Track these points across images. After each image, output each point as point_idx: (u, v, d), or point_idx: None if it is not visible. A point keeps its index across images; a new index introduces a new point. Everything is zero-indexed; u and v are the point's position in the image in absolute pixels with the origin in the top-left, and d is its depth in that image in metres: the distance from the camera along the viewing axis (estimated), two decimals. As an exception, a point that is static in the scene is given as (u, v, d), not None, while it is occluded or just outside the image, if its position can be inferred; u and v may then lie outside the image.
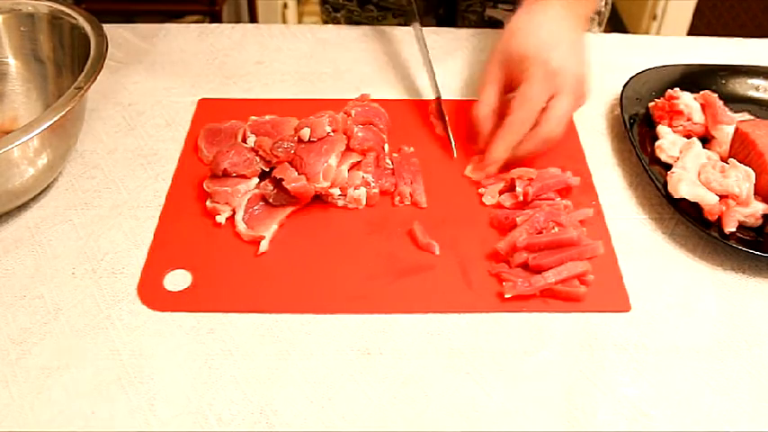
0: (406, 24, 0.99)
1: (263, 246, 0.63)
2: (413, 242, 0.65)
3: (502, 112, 0.70)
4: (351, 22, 1.03)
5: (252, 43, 0.90)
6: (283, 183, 0.65)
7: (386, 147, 0.72)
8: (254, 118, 0.74)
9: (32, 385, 0.54)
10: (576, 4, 0.73)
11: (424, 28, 0.92)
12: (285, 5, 2.38)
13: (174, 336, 0.58)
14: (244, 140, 0.71)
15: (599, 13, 0.99)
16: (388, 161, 0.71)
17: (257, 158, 0.68)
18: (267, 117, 0.74)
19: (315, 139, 0.67)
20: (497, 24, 0.96)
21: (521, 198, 0.67)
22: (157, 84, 0.83)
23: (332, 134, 0.68)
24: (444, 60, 0.87)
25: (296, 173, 0.66)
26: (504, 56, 0.71)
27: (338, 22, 1.05)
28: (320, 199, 0.68)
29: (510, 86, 0.71)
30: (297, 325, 0.59)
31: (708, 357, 0.57)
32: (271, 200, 0.66)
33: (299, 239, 0.65)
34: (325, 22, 1.08)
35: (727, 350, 0.58)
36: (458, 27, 1.01)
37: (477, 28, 0.93)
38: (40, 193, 0.68)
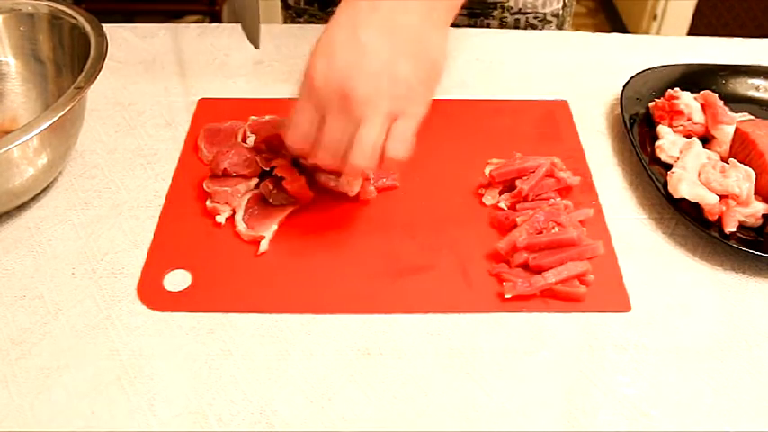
0: None
1: (263, 246, 0.63)
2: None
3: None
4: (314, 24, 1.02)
5: (252, 43, 0.90)
6: (284, 183, 0.65)
7: None
8: (253, 118, 0.74)
9: (32, 385, 0.54)
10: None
11: None
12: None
13: (173, 336, 0.58)
14: (244, 140, 0.71)
15: (556, 15, 0.97)
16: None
17: (257, 158, 0.68)
18: (267, 117, 0.74)
19: None
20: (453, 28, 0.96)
21: (523, 193, 0.66)
22: (157, 84, 0.83)
23: None
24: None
25: (296, 172, 0.66)
26: (311, 78, 0.58)
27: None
28: (319, 199, 0.68)
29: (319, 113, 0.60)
30: (297, 325, 0.59)
31: (708, 357, 0.57)
32: (271, 200, 0.66)
33: (299, 239, 0.65)
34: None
35: (727, 350, 0.58)
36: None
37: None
38: (39, 193, 0.68)
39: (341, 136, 0.57)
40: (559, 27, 0.99)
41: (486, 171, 0.70)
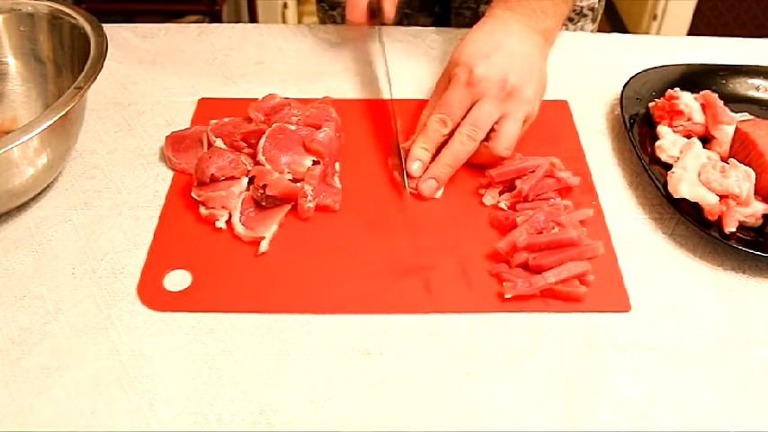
0: (400, 24, 0.99)
1: (263, 246, 0.63)
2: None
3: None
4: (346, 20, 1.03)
5: (252, 43, 0.90)
6: (267, 190, 0.65)
7: (337, 165, 0.71)
8: (213, 121, 0.74)
9: (32, 385, 0.54)
10: (535, 18, 0.75)
11: (419, 27, 0.92)
12: (285, 5, 2.38)
13: (173, 336, 0.58)
14: (210, 144, 0.71)
15: (592, 9, 0.98)
16: (336, 180, 0.70)
17: (242, 157, 0.68)
18: (226, 119, 0.74)
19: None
20: None
21: (523, 193, 0.66)
22: (157, 84, 0.83)
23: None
24: (444, 60, 0.87)
25: (276, 174, 0.66)
26: (449, 63, 0.74)
27: (334, 21, 1.05)
28: (320, 200, 0.68)
29: None
30: (297, 325, 0.59)
31: (708, 357, 0.57)
32: (264, 203, 0.66)
33: (299, 239, 0.65)
34: (322, 21, 1.08)
35: (727, 350, 0.58)
36: (452, 25, 1.01)
37: (473, 25, 0.93)
38: (39, 193, 0.68)
39: (489, 117, 0.69)
40: (594, 21, 1.00)
41: (486, 171, 0.70)
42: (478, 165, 0.70)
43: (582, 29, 0.99)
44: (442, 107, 0.70)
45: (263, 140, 0.68)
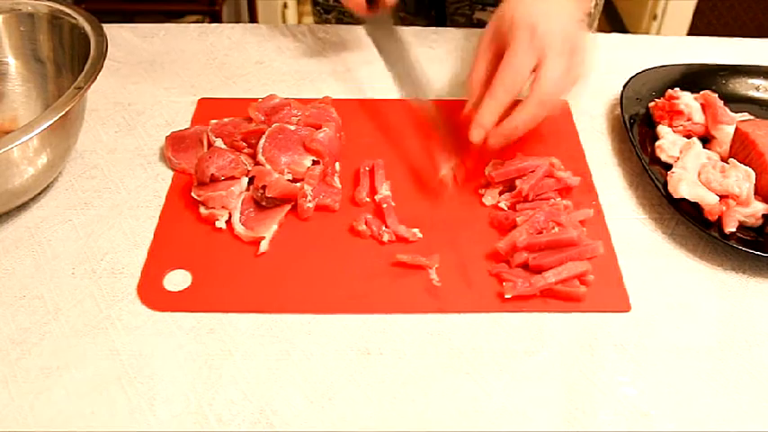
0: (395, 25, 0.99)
1: (264, 246, 0.63)
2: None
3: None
4: (342, 23, 1.03)
5: (252, 43, 0.90)
6: (267, 190, 0.65)
7: (337, 165, 0.71)
8: (213, 121, 0.74)
9: (32, 385, 0.54)
10: None
11: (419, 27, 0.92)
12: (285, 5, 2.38)
13: (174, 336, 0.58)
14: (210, 144, 0.71)
15: (588, 14, 0.98)
16: (336, 180, 0.69)
17: (243, 158, 0.68)
18: (226, 119, 0.74)
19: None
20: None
21: (523, 193, 0.66)
22: (157, 84, 0.83)
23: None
24: (445, 60, 0.87)
25: (276, 174, 0.65)
26: (496, 24, 0.69)
27: (329, 24, 1.05)
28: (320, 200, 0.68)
29: (502, 56, 0.68)
30: (297, 325, 0.59)
31: (708, 357, 0.57)
32: (264, 203, 0.66)
33: (299, 239, 0.65)
34: (318, 24, 1.08)
35: (727, 350, 0.58)
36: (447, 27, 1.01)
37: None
38: (39, 193, 0.68)
39: (558, 74, 0.65)
40: (590, 26, 1.00)
41: (486, 171, 0.70)
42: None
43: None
44: (508, 72, 0.66)
45: (262, 140, 0.68)
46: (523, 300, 0.60)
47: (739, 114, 0.74)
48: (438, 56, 0.88)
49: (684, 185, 0.66)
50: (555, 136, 0.76)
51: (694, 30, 2.38)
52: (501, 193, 0.69)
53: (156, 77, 0.84)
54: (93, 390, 0.54)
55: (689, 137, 0.73)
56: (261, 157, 0.67)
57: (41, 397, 0.53)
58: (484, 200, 0.69)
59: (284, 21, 2.38)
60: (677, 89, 0.76)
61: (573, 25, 0.68)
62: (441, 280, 0.62)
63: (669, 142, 0.72)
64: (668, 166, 0.70)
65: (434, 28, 0.93)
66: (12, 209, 0.66)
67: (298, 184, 0.67)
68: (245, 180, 0.67)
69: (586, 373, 0.56)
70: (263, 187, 0.65)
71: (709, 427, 0.53)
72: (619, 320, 0.60)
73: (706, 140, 0.74)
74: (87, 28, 0.70)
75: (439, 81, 0.84)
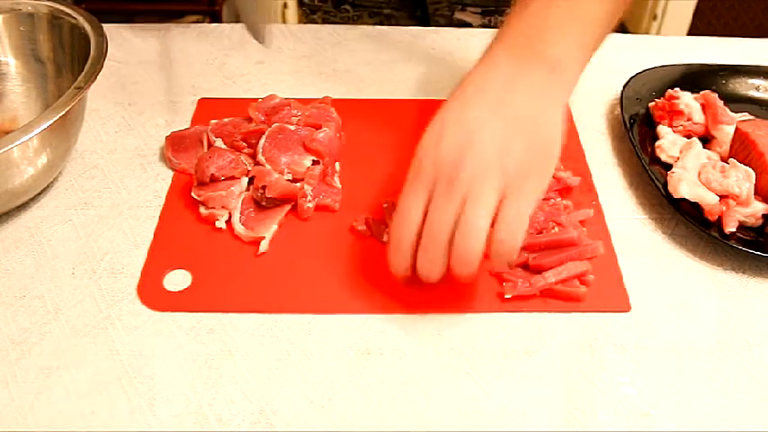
0: (381, 24, 0.99)
1: (263, 246, 0.63)
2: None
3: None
4: (327, 23, 1.03)
5: (252, 43, 0.89)
6: (267, 191, 0.65)
7: (337, 165, 0.71)
8: (213, 121, 0.74)
9: (32, 385, 0.54)
10: (538, 41, 0.57)
11: (419, 27, 0.92)
12: (285, 5, 2.38)
13: (174, 336, 0.58)
14: (210, 144, 0.71)
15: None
16: (336, 180, 0.69)
17: (242, 158, 0.68)
18: (226, 119, 0.74)
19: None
20: (467, 27, 0.96)
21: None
22: (157, 84, 0.83)
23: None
24: (445, 60, 0.87)
25: (276, 175, 0.65)
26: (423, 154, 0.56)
27: (316, 24, 1.05)
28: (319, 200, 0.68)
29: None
30: (297, 325, 0.59)
31: (708, 357, 0.57)
32: (264, 203, 0.66)
33: (299, 239, 0.65)
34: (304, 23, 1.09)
35: (727, 350, 0.58)
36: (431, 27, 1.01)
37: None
38: (39, 193, 0.68)
39: (445, 217, 0.52)
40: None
41: None
42: None
43: None
44: (396, 220, 0.55)
45: (262, 140, 0.68)
46: (523, 300, 0.60)
47: (739, 114, 0.74)
48: (438, 56, 0.88)
49: (684, 185, 0.66)
50: (555, 136, 0.76)
51: (694, 30, 2.38)
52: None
53: (156, 77, 0.84)
54: (93, 390, 0.54)
55: (689, 137, 0.73)
56: (261, 157, 0.67)
57: (41, 397, 0.53)
58: (484, 200, 0.69)
59: (284, 21, 2.38)
60: (677, 89, 0.76)
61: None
62: (441, 280, 0.62)
63: (669, 142, 0.72)
64: (668, 166, 0.70)
65: (435, 28, 0.93)
66: (12, 209, 0.66)
67: (298, 185, 0.67)
68: (245, 180, 0.67)
69: (586, 373, 0.56)
70: (263, 187, 0.65)
71: (709, 427, 0.53)
72: (619, 320, 0.60)
73: (706, 140, 0.74)
74: (87, 28, 0.70)
75: (439, 81, 0.84)
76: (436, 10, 0.99)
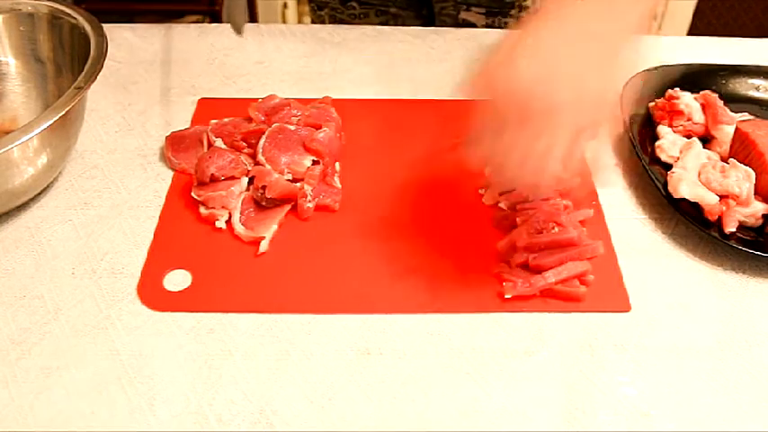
0: (387, 23, 0.99)
1: (264, 246, 0.63)
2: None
3: None
4: (335, 20, 1.03)
5: (252, 43, 0.90)
6: (266, 191, 0.65)
7: (337, 165, 0.71)
8: (213, 121, 0.74)
9: (32, 385, 0.54)
10: None
11: (419, 27, 0.92)
12: (285, 5, 2.38)
13: (174, 336, 0.58)
14: (210, 144, 0.71)
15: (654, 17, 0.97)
16: (336, 180, 0.69)
17: (242, 158, 0.68)
18: (226, 119, 0.74)
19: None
20: (471, 27, 0.97)
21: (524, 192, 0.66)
22: (157, 84, 0.83)
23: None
24: (445, 60, 0.87)
25: (276, 175, 0.65)
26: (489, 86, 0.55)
27: (323, 21, 1.05)
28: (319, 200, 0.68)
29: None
30: (297, 325, 0.59)
31: (708, 357, 0.57)
32: (264, 203, 0.66)
33: (299, 239, 0.65)
34: (313, 22, 1.09)
35: (727, 350, 0.58)
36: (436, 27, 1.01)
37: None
38: (39, 193, 0.68)
39: (520, 150, 0.53)
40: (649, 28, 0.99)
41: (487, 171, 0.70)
42: None
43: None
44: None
45: (262, 140, 0.68)
46: (523, 300, 0.60)
47: (739, 114, 0.74)
48: (438, 56, 0.88)
49: (684, 185, 0.66)
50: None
51: (694, 30, 2.38)
52: (501, 193, 0.69)
53: (156, 77, 0.84)
54: (93, 390, 0.54)
55: (689, 137, 0.73)
56: (261, 157, 0.67)
57: (41, 397, 0.53)
58: (484, 200, 0.69)
59: (284, 21, 2.38)
60: (677, 89, 0.76)
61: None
62: (441, 280, 0.62)
63: (669, 142, 0.72)
64: (668, 166, 0.70)
65: (434, 28, 0.93)
66: (12, 209, 0.66)
67: (298, 184, 0.67)
68: (245, 180, 0.67)
69: (586, 373, 0.56)
70: (263, 187, 0.65)
71: (709, 427, 0.53)
72: (619, 320, 0.60)
73: (706, 140, 0.74)
74: (87, 28, 0.70)
75: (438, 81, 0.84)
76: (442, 9, 1.00)
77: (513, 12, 0.94)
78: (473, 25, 0.97)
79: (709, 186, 0.66)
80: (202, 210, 0.66)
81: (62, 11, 0.73)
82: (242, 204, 0.66)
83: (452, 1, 0.97)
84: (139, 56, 0.87)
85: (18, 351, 0.56)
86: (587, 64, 0.53)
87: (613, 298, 0.61)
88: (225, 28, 0.92)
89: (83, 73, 0.65)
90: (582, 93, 0.53)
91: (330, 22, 1.03)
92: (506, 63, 0.53)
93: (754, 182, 0.66)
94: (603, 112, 0.54)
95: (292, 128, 0.70)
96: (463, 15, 0.97)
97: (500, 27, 0.96)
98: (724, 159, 0.70)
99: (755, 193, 0.66)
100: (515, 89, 0.52)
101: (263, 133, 0.69)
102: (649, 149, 0.73)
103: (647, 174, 0.69)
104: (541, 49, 0.53)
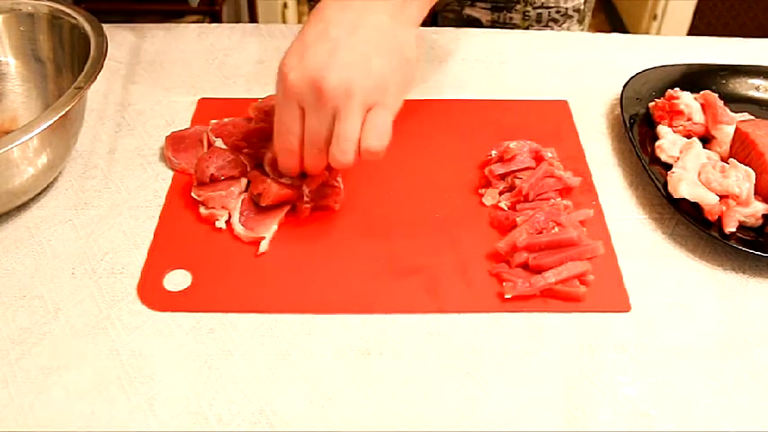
0: None
1: (264, 246, 0.63)
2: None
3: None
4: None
5: (252, 43, 0.90)
6: (261, 200, 0.65)
7: None
8: (214, 121, 0.74)
9: (32, 385, 0.54)
10: None
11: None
12: (285, 5, 2.38)
13: (174, 336, 0.58)
14: (210, 145, 0.71)
15: (578, 10, 0.98)
16: (336, 180, 0.68)
17: (243, 158, 0.68)
18: (226, 119, 0.74)
19: None
20: (476, 23, 0.97)
21: (523, 192, 0.66)
22: (157, 84, 0.83)
23: None
24: (445, 60, 0.87)
25: (269, 180, 0.65)
26: (283, 76, 0.61)
27: None
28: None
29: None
30: (297, 325, 0.59)
31: (708, 357, 0.57)
32: (263, 204, 0.66)
33: (299, 239, 0.65)
34: None
35: (727, 350, 0.58)
36: (438, 26, 1.01)
37: (457, 27, 0.93)
38: (39, 193, 0.68)
39: (320, 129, 0.59)
40: (580, 22, 0.99)
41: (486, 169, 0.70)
42: None
43: (569, 30, 0.99)
44: (277, 131, 0.62)
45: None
46: (523, 300, 0.60)
47: (739, 114, 0.74)
48: (438, 56, 0.88)
49: (684, 185, 0.66)
50: (555, 136, 0.76)
51: (694, 30, 2.38)
52: (501, 193, 0.69)
53: (156, 77, 0.84)
54: (93, 390, 0.54)
55: (689, 137, 0.73)
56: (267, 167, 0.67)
57: (41, 397, 0.54)
58: (484, 200, 0.69)
59: (284, 21, 2.38)
60: (677, 89, 0.76)
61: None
62: (441, 280, 0.62)
63: (669, 142, 0.72)
64: (668, 166, 0.70)
65: (435, 28, 0.93)
66: (12, 209, 0.66)
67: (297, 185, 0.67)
68: (244, 180, 0.67)
69: (586, 373, 0.56)
70: (258, 195, 0.65)
71: (709, 427, 0.53)
72: (619, 320, 0.60)
73: (706, 140, 0.74)
74: (87, 28, 0.70)
75: (439, 81, 0.84)
76: (446, 5, 0.99)
77: (518, 6, 0.94)
78: (478, 21, 0.97)
79: (710, 186, 0.66)
80: (202, 210, 0.66)
81: (62, 11, 0.73)
82: (242, 204, 0.66)
83: None
84: (139, 56, 0.87)
85: (18, 351, 0.56)
86: (369, 47, 0.59)
87: (613, 298, 0.61)
88: (225, 28, 0.92)
89: (83, 73, 0.65)
90: (367, 75, 0.58)
91: None
92: (296, 52, 0.59)
93: (754, 182, 0.66)
94: (391, 90, 0.59)
95: None
96: (468, 11, 0.97)
97: (505, 22, 0.96)
98: (724, 159, 0.70)
99: (755, 193, 0.66)
100: (305, 73, 0.57)
101: (264, 133, 0.69)
102: (649, 149, 0.73)
103: (647, 174, 0.69)
104: (324, 37, 0.59)
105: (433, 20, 1.03)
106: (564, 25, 0.98)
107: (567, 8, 0.96)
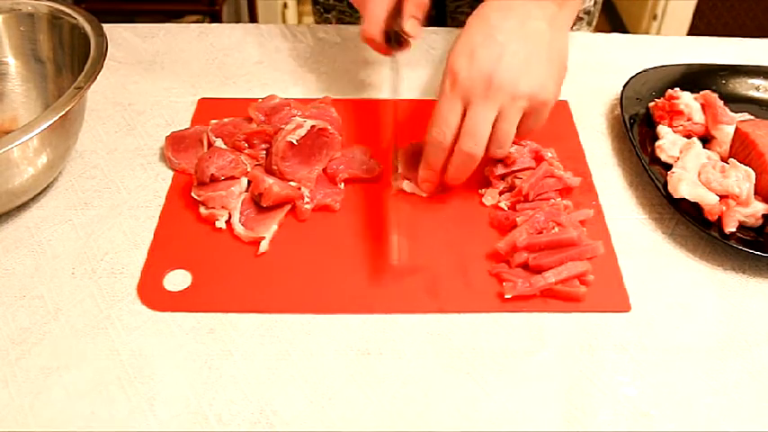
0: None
1: (264, 246, 0.63)
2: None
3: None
4: (342, 23, 1.03)
5: (252, 43, 0.90)
6: (261, 202, 0.65)
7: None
8: (213, 121, 0.74)
9: (32, 385, 0.54)
10: None
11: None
12: (285, 5, 2.39)
13: (174, 336, 0.58)
14: (210, 145, 0.71)
15: (588, 12, 0.98)
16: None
17: (243, 158, 0.68)
18: (226, 119, 0.74)
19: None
20: None
21: (523, 192, 0.66)
22: (157, 84, 0.83)
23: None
24: (444, 59, 0.87)
25: (269, 181, 0.65)
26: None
27: (330, 23, 1.05)
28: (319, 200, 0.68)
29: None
30: (297, 325, 0.59)
31: (708, 357, 0.57)
32: (263, 204, 0.66)
33: (299, 239, 0.65)
34: (318, 23, 1.08)
35: (727, 350, 0.58)
36: (448, 27, 1.01)
37: None
38: (39, 193, 0.68)
39: (483, 122, 0.62)
40: (589, 24, 0.99)
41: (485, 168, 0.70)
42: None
43: (578, 31, 1.00)
44: (435, 121, 0.64)
45: (279, 145, 0.67)
46: (523, 300, 0.60)
47: (739, 114, 0.74)
48: (438, 56, 0.88)
49: (684, 185, 0.66)
50: (555, 136, 0.76)
51: (694, 30, 2.38)
52: (501, 193, 0.69)
53: (156, 77, 0.84)
54: (93, 390, 0.54)
55: (689, 137, 0.73)
56: (275, 167, 0.67)
57: (41, 397, 0.54)
58: (484, 200, 0.69)
59: (284, 21, 2.38)
60: (677, 89, 0.76)
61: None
62: (441, 280, 0.62)
63: (669, 142, 0.72)
64: (668, 166, 0.70)
65: (435, 28, 0.93)
66: (12, 209, 0.66)
67: (295, 184, 0.67)
68: (244, 180, 0.67)
69: (586, 373, 0.56)
70: (260, 195, 0.65)
71: (709, 427, 0.53)
72: (619, 320, 0.60)
73: (706, 140, 0.74)
74: (87, 28, 0.70)
75: (439, 81, 0.83)
76: (457, 7, 0.99)
77: None
78: None
79: (710, 186, 0.66)
80: (202, 210, 0.66)
81: (62, 11, 0.73)
82: (242, 204, 0.66)
83: None
84: (139, 56, 0.87)
85: (18, 351, 0.56)
86: (531, 54, 0.63)
87: (613, 298, 0.61)
88: (225, 28, 0.92)
89: (83, 73, 0.65)
90: (530, 77, 0.62)
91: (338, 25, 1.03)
92: (464, 53, 0.63)
93: (754, 182, 0.66)
94: (548, 97, 0.64)
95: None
96: None
97: None
98: (724, 159, 0.70)
99: (755, 193, 0.66)
100: (475, 70, 0.62)
101: (264, 133, 0.69)
102: (649, 149, 0.73)
103: (647, 174, 0.69)
104: (491, 41, 0.63)
105: (442, 20, 1.03)
106: (574, 28, 0.98)
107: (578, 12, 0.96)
